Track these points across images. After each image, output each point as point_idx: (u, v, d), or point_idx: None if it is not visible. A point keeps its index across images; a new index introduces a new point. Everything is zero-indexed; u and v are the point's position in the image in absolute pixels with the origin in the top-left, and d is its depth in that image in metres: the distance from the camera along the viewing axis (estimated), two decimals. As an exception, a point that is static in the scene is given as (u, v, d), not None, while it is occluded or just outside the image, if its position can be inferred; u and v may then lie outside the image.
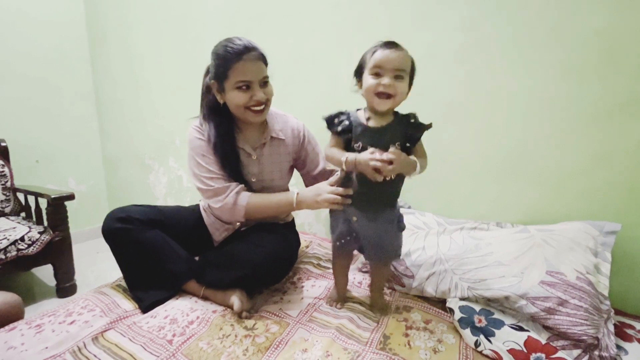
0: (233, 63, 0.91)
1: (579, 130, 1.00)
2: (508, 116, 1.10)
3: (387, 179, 0.77)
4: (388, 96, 0.75)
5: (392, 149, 0.74)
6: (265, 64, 0.97)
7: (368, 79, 0.77)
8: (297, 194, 0.97)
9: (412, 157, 0.77)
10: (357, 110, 0.84)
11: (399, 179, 0.83)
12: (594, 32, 0.94)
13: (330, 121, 0.83)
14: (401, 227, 0.88)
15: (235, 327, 0.85)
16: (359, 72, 0.82)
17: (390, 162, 0.72)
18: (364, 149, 0.78)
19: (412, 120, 0.79)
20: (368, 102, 0.80)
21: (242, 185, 1.01)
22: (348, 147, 0.83)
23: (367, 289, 1.04)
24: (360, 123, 0.80)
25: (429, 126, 0.80)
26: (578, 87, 0.98)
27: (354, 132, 0.80)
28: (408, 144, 0.79)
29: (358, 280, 1.10)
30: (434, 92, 1.21)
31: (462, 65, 1.15)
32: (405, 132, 0.79)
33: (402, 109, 0.83)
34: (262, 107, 0.97)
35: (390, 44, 0.76)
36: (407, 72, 0.77)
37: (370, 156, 0.74)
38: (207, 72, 1.04)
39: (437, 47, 1.18)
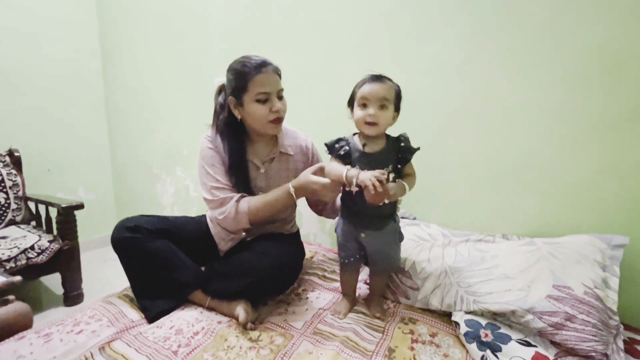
0: (253, 76, 0.95)
1: (585, 142, 1.00)
2: (513, 128, 1.10)
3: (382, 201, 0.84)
4: (373, 124, 0.85)
5: (382, 171, 0.82)
6: (280, 77, 1.01)
7: (357, 111, 0.87)
8: (291, 185, 0.97)
9: (401, 182, 0.86)
10: (354, 135, 0.93)
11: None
12: (598, 44, 0.95)
13: (331, 147, 0.92)
14: (400, 238, 0.98)
15: (240, 339, 0.85)
16: (351, 103, 0.91)
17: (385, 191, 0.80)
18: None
19: (403, 144, 0.88)
20: (358, 129, 0.90)
21: (242, 194, 1.02)
22: None
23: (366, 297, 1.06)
24: (358, 149, 0.89)
25: (417, 149, 0.88)
26: (583, 99, 0.98)
27: (352, 156, 0.89)
28: (399, 165, 0.88)
29: (363, 291, 1.09)
30: (439, 104, 1.22)
31: (465, 77, 1.16)
32: (397, 155, 0.88)
33: (402, 125, 0.89)
34: (280, 118, 1.01)
35: (375, 78, 0.86)
36: (390, 101, 0.85)
37: (372, 176, 0.79)
38: (220, 91, 1.07)
39: (441, 59, 1.20)
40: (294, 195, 0.96)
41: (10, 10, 2.01)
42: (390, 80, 0.87)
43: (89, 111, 2.40)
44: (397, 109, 0.89)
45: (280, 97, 1.02)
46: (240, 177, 1.04)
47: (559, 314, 0.77)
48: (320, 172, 0.94)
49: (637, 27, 0.90)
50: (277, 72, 1.00)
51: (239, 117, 1.02)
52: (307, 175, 0.93)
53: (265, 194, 1.02)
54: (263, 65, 0.97)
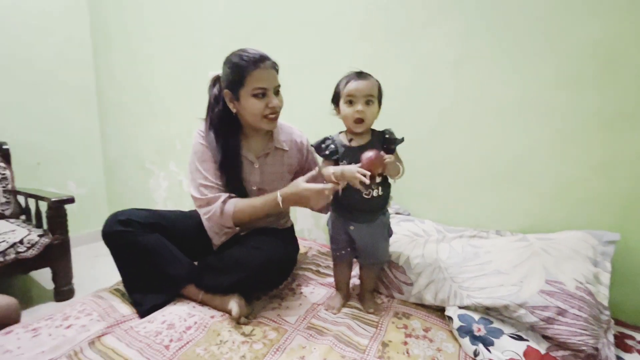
0: (250, 70, 0.94)
1: (578, 139, 1.00)
2: (507, 126, 1.10)
3: (373, 190, 0.88)
4: (361, 120, 0.87)
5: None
6: (277, 73, 1.00)
7: (344, 108, 0.89)
8: (279, 193, 0.95)
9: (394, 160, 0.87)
10: (340, 133, 0.95)
11: (385, 193, 0.92)
12: (592, 43, 0.95)
13: (319, 147, 0.94)
14: (390, 233, 1.00)
15: (233, 333, 0.84)
16: (335, 100, 0.93)
17: (380, 165, 0.81)
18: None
19: (387, 136, 0.91)
20: (346, 126, 0.92)
21: (229, 195, 1.01)
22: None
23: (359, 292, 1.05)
24: (343, 144, 0.92)
25: (402, 140, 0.91)
26: (577, 97, 0.99)
27: (339, 153, 0.91)
28: None
29: (356, 285, 1.09)
30: (432, 102, 1.22)
31: (459, 75, 1.16)
32: (382, 147, 0.89)
33: (396, 122, 0.93)
34: (276, 114, 1.00)
35: (360, 75, 0.88)
36: (375, 97, 0.88)
37: (356, 169, 0.81)
38: (214, 83, 1.05)
39: (435, 57, 1.20)
40: (281, 204, 0.94)
41: (-1, 0, 1.96)
42: (371, 76, 0.90)
43: (80, 104, 2.36)
44: (380, 103, 0.92)
45: (276, 93, 1.01)
46: (232, 173, 1.03)
47: (550, 308, 0.77)
48: (313, 179, 0.93)
49: (631, 27, 0.90)
50: (274, 67, 0.99)
51: (234, 110, 1.01)
52: (299, 183, 0.92)
53: (253, 198, 1.00)
54: (261, 60, 0.95)
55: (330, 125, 1.01)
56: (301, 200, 0.91)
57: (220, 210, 0.97)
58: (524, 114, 1.07)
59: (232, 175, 1.03)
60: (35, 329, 0.84)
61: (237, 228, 1.10)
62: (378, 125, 0.94)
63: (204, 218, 1.02)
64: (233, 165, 1.03)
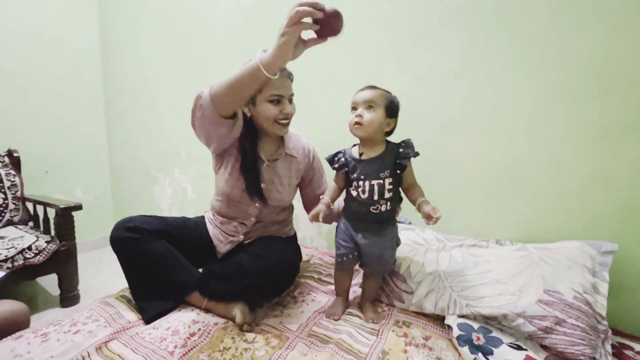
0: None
1: (577, 149, 1.02)
2: (507, 134, 1.12)
3: (381, 206, 0.92)
4: (359, 124, 0.89)
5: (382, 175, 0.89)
6: (292, 82, 1.05)
7: (349, 115, 0.92)
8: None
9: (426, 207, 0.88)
10: (353, 146, 0.98)
11: (393, 207, 0.94)
12: (591, 54, 0.97)
13: (331, 160, 0.98)
14: (398, 242, 1.01)
15: (236, 340, 0.86)
16: None
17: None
18: (358, 179, 0.92)
19: (401, 150, 0.90)
20: (351, 132, 0.93)
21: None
22: (348, 179, 0.96)
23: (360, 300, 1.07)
24: (354, 157, 0.94)
25: (416, 154, 0.90)
26: (576, 107, 1.01)
27: (349, 165, 0.94)
28: (398, 171, 0.91)
29: (357, 294, 1.10)
30: (434, 110, 1.25)
31: (461, 84, 1.19)
32: (394, 161, 0.90)
33: (399, 130, 0.93)
34: (288, 120, 1.04)
35: (366, 87, 0.91)
36: (378, 104, 0.88)
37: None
38: None
39: (437, 66, 1.22)
40: (262, 65, 0.82)
41: (12, 10, 2.03)
42: (380, 88, 0.91)
43: (88, 112, 2.41)
44: (390, 114, 0.90)
45: (290, 101, 1.05)
46: (251, 173, 1.05)
47: (549, 318, 0.78)
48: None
49: (627, 39, 0.93)
50: (290, 77, 1.04)
51: (248, 114, 1.05)
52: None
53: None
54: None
55: (334, 133, 1.03)
56: (284, 45, 0.84)
57: (199, 96, 0.90)
58: (524, 123, 1.09)
59: (251, 177, 1.05)
60: (45, 334, 0.86)
61: (242, 236, 1.12)
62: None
63: (198, 114, 0.92)
64: (253, 167, 1.05)
